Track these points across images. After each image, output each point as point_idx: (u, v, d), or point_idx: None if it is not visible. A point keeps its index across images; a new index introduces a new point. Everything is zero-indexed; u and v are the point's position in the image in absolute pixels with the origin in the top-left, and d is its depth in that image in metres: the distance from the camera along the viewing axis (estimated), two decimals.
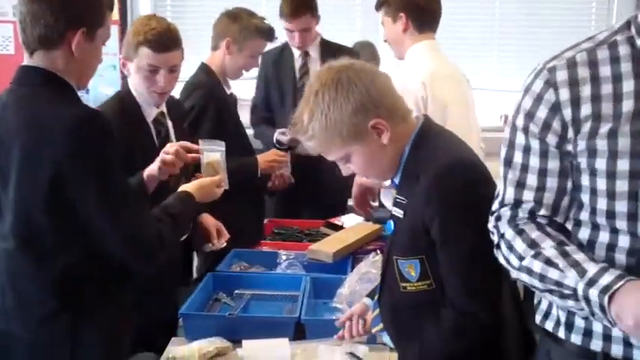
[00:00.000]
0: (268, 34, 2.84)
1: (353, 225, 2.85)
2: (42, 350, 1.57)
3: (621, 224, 1.17)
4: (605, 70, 1.17)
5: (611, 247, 1.19)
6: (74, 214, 1.51)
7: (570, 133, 1.20)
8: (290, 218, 3.08)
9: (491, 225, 1.32)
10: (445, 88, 2.38)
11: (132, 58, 2.16)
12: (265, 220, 3.00)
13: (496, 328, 1.49)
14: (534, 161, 1.25)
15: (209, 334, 1.87)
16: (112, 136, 1.53)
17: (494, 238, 1.31)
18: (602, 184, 1.17)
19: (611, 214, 1.18)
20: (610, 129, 1.15)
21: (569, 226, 1.27)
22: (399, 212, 1.54)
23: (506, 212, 1.29)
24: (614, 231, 1.18)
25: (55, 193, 1.48)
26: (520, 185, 1.27)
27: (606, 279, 1.10)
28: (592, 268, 1.13)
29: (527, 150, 1.25)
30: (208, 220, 2.31)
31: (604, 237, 1.20)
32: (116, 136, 1.55)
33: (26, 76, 1.58)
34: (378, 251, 2.32)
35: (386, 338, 1.74)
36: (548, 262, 1.18)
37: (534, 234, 1.23)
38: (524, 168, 1.26)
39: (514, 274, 1.27)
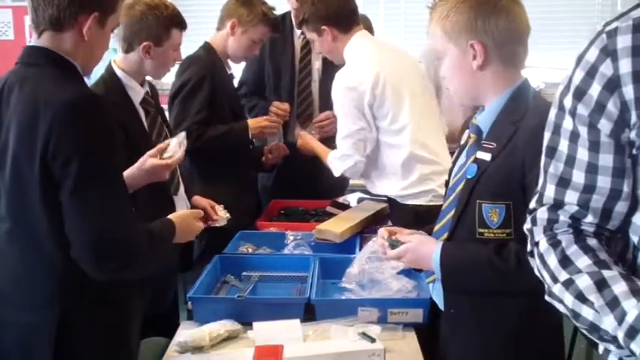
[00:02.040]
0: (274, 24, 2.86)
1: (359, 204, 2.86)
2: (32, 337, 1.52)
3: None
4: None
5: None
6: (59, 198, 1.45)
7: (634, 118, 0.95)
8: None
9: (525, 227, 1.13)
10: (395, 72, 2.47)
11: (162, 42, 2.18)
12: (270, 202, 3.00)
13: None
14: (582, 153, 1.01)
15: (218, 317, 1.88)
16: (109, 123, 1.51)
17: (528, 243, 1.12)
18: None
19: None
20: None
21: (625, 236, 1.04)
22: (485, 156, 1.54)
23: (543, 214, 1.08)
24: None
25: (45, 171, 1.44)
26: (563, 183, 1.05)
27: None
28: (633, 310, 0.91)
29: (574, 138, 1.02)
30: (201, 201, 2.30)
31: None
32: (114, 126, 1.52)
33: (32, 56, 1.56)
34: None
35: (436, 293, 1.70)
36: (581, 297, 0.97)
37: (570, 249, 1.03)
38: (570, 161, 1.03)
39: (546, 294, 1.07)
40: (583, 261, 1.00)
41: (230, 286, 2.15)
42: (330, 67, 2.96)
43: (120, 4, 1.63)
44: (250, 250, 2.42)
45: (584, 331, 1.00)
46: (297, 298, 2.00)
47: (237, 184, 2.75)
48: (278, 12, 2.96)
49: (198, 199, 2.32)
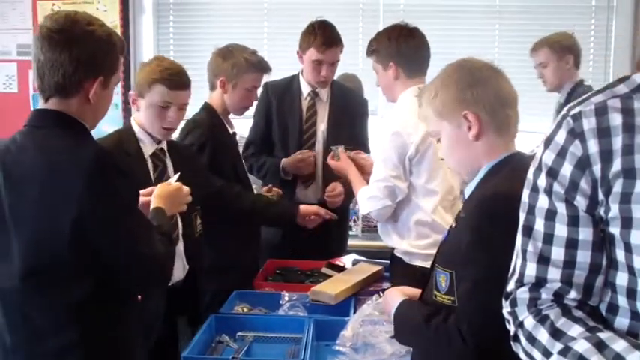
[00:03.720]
0: (260, 65, 2.87)
1: (355, 266, 2.90)
2: None
3: None
4: None
5: None
6: (94, 250, 1.56)
7: (600, 196, 1.00)
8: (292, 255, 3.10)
9: (505, 311, 1.12)
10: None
11: (144, 94, 2.31)
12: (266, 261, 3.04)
13: None
14: (561, 230, 1.04)
15: None
16: (125, 172, 1.62)
17: (511, 327, 1.11)
18: (639, 262, 0.96)
19: None
20: None
21: (602, 311, 1.05)
22: (454, 223, 1.63)
23: (524, 294, 1.08)
24: None
25: (76, 231, 1.52)
26: (543, 260, 1.06)
27: None
28: None
29: (551, 216, 1.05)
30: None
31: None
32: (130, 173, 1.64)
33: (41, 119, 1.65)
34: (381, 293, 2.34)
35: None
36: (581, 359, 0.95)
37: (560, 321, 1.02)
38: (548, 238, 1.05)
39: None
40: (575, 329, 1.00)
41: (225, 346, 2.18)
42: (333, 130, 3.13)
43: (121, 62, 1.71)
44: (245, 310, 2.46)
45: None
46: None
47: (241, 243, 2.81)
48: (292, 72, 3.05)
49: None
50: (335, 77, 3.35)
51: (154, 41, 4.87)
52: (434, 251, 2.42)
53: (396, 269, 2.63)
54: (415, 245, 2.52)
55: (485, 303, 1.38)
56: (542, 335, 1.03)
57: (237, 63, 2.82)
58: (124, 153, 2.25)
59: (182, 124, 2.63)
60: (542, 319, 1.04)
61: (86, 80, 1.61)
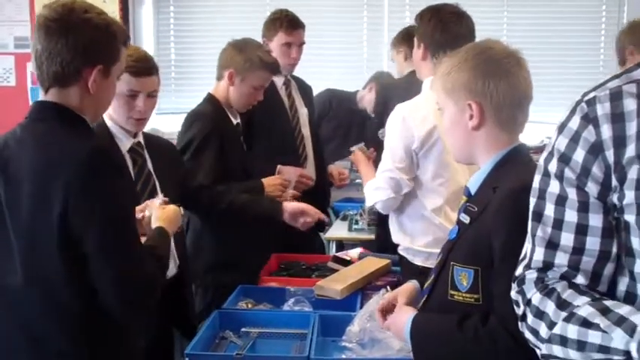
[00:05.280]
0: (272, 67, 2.89)
1: (361, 260, 2.89)
2: None
3: None
4: None
5: None
6: (81, 254, 1.54)
7: (614, 181, 1.01)
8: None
9: (514, 292, 1.15)
10: None
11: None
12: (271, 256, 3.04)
13: None
14: (571, 215, 1.05)
15: None
16: (122, 171, 1.60)
17: (519, 308, 1.13)
18: None
19: None
20: None
21: (620, 299, 1.05)
22: (465, 219, 1.59)
23: (532, 275, 1.10)
24: None
25: (64, 226, 1.51)
26: (552, 245, 1.08)
27: None
28: None
29: (561, 201, 1.06)
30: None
31: None
32: (126, 172, 1.61)
33: (41, 112, 1.64)
34: (388, 287, 2.34)
35: None
36: (586, 323, 0.98)
37: (566, 293, 1.04)
38: (558, 224, 1.07)
39: (543, 349, 1.06)
40: (581, 299, 1.02)
41: (229, 342, 2.18)
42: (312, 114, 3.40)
43: (123, 52, 1.69)
44: (250, 306, 2.45)
45: None
46: (296, 357, 2.03)
47: (248, 241, 2.79)
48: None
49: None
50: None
51: (154, 33, 4.88)
52: (436, 250, 2.44)
53: (403, 268, 2.61)
54: (417, 243, 2.51)
55: None
56: (550, 307, 1.05)
57: (251, 59, 2.81)
58: None
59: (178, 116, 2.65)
60: (548, 292, 1.06)
61: (84, 69, 1.60)
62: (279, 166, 3.15)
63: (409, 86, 2.94)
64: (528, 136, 4.35)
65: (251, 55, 2.82)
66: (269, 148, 3.23)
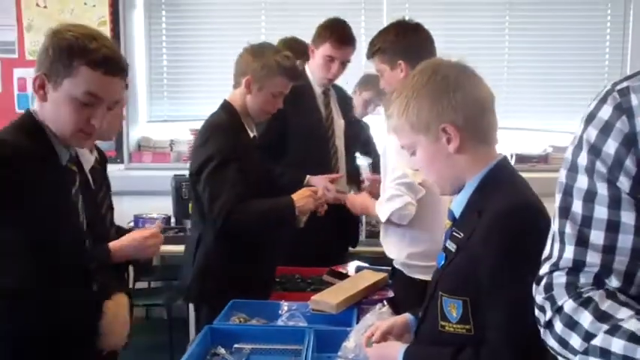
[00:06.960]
0: (291, 72, 2.75)
1: (358, 273, 2.88)
2: None
3: None
4: None
5: None
6: None
7: None
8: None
9: (540, 297, 1.08)
10: None
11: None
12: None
13: None
14: (600, 212, 1.01)
15: None
16: (8, 164, 1.59)
17: (544, 315, 1.07)
18: None
19: None
20: None
21: None
22: (452, 246, 1.55)
23: (560, 279, 1.05)
24: None
25: None
26: (582, 243, 1.03)
27: None
28: None
29: (590, 197, 1.02)
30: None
31: None
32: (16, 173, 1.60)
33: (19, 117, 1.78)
34: (385, 302, 2.33)
35: None
36: (634, 338, 0.91)
37: (605, 304, 0.98)
38: (587, 221, 1.02)
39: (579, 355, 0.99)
40: (624, 312, 0.96)
41: (221, 359, 2.16)
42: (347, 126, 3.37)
43: (81, 69, 1.68)
44: (242, 321, 2.44)
45: None
46: None
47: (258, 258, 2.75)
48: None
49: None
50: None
51: (146, 38, 4.87)
52: (432, 263, 2.43)
53: (398, 284, 2.60)
54: (414, 257, 2.50)
55: (528, 324, 1.30)
56: (585, 319, 0.99)
57: (268, 64, 2.68)
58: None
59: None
60: (584, 302, 1.00)
61: (38, 75, 1.72)
62: (308, 176, 3.14)
63: None
64: (532, 145, 4.43)
65: (268, 60, 2.68)
66: (302, 157, 3.22)
